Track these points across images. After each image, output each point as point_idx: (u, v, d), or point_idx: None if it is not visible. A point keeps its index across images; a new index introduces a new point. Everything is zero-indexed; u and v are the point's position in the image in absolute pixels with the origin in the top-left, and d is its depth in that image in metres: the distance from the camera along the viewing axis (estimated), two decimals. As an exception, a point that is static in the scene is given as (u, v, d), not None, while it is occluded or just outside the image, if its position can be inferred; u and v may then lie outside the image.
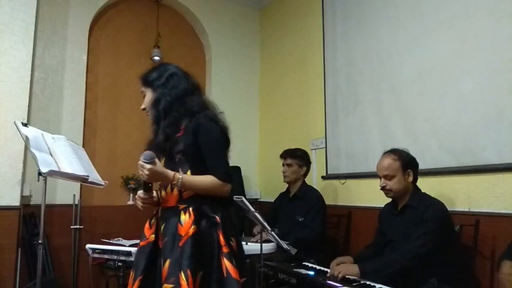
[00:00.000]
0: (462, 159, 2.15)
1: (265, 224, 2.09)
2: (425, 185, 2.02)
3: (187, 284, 1.27)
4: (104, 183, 2.44)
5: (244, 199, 1.81)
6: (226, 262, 1.35)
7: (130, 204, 3.49)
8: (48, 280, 2.75)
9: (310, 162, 2.88)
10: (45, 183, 2.16)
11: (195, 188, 1.43)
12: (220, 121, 1.53)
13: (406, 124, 2.50)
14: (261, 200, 4.04)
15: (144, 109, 1.60)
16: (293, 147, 2.96)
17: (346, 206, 2.92)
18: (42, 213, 2.16)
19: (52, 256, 2.92)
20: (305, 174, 2.85)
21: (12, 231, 2.64)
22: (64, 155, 2.21)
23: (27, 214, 2.88)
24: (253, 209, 1.92)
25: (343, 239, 2.86)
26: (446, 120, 2.25)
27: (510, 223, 1.88)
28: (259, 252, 1.97)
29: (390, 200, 2.11)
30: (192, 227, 1.37)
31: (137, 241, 3.01)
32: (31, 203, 2.92)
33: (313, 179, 3.25)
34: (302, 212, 2.69)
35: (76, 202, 3.10)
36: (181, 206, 1.43)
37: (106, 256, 2.34)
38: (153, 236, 1.49)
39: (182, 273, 1.29)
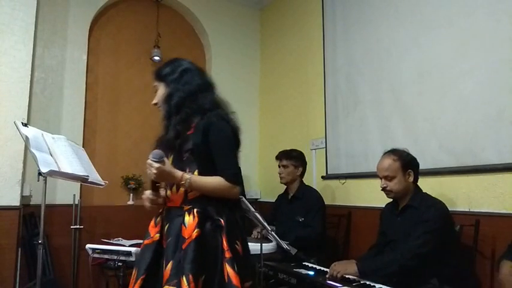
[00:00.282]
0: (462, 159, 2.15)
1: (265, 224, 2.09)
2: (425, 185, 2.02)
3: None
4: (103, 183, 2.44)
5: (244, 199, 1.81)
6: (228, 268, 1.32)
7: (131, 204, 3.49)
8: (48, 280, 2.75)
9: (306, 163, 2.88)
10: (45, 183, 2.16)
11: (203, 190, 1.40)
12: (231, 121, 1.49)
13: (406, 124, 2.50)
14: (261, 200, 4.04)
15: (155, 104, 1.56)
16: (292, 148, 2.96)
17: (346, 206, 2.92)
18: (42, 213, 2.16)
19: (52, 256, 2.92)
20: (302, 175, 2.85)
21: (12, 231, 2.64)
22: (64, 155, 2.21)
23: (27, 214, 2.88)
24: (253, 209, 1.92)
25: (343, 239, 2.86)
26: (446, 120, 2.25)
27: (510, 223, 1.88)
28: (259, 252, 1.96)
29: (391, 199, 2.11)
30: (196, 230, 1.34)
31: (137, 241, 3.03)
32: (31, 203, 2.92)
33: (313, 179, 3.25)
34: (302, 212, 2.69)
35: (76, 202, 3.10)
36: (186, 207, 1.41)
37: (106, 256, 2.34)
38: (158, 235, 1.46)
39: (184, 278, 1.26)
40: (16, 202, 2.68)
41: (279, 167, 2.85)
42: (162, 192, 1.49)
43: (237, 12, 4.24)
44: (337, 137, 3.08)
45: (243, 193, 3.60)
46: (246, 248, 1.47)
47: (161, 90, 1.54)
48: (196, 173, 1.40)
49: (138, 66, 3.73)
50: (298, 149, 2.95)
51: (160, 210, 1.54)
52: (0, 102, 2.68)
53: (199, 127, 1.42)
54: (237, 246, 1.39)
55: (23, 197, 2.76)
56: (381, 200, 2.25)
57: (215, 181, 1.39)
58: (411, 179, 1.95)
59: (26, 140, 2.07)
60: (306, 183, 2.91)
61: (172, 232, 1.39)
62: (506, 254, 1.60)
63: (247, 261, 1.46)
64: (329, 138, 3.16)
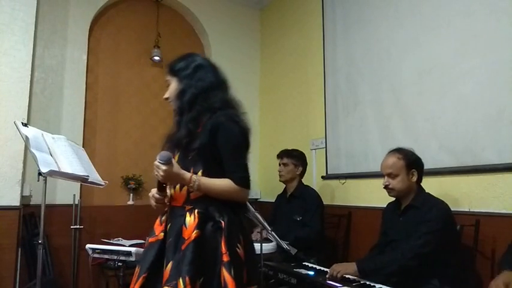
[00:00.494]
0: (462, 159, 2.15)
1: (266, 224, 2.09)
2: (425, 185, 2.02)
3: None
4: (103, 183, 2.45)
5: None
6: (224, 272, 1.27)
7: (130, 204, 3.49)
8: (48, 280, 2.75)
9: (306, 163, 2.89)
10: (45, 183, 2.16)
11: (212, 192, 1.36)
12: (241, 121, 1.44)
13: (406, 124, 2.50)
14: (261, 200, 4.04)
15: (167, 99, 1.53)
16: (292, 148, 2.98)
17: (346, 206, 2.92)
18: (42, 213, 2.16)
19: (52, 256, 2.92)
20: (301, 175, 2.86)
21: (12, 231, 2.64)
22: (64, 155, 2.21)
23: (27, 214, 2.88)
24: (253, 209, 1.92)
25: (343, 239, 2.86)
26: (446, 120, 2.25)
27: (510, 223, 1.88)
28: (259, 252, 1.96)
29: (392, 199, 2.11)
30: (195, 232, 1.31)
31: (137, 241, 3.04)
32: (31, 203, 2.92)
33: (313, 179, 3.25)
34: (300, 211, 2.69)
35: (76, 202, 3.11)
36: (188, 207, 1.38)
37: (106, 256, 2.34)
38: (162, 234, 1.43)
39: (181, 280, 1.24)
40: (16, 202, 2.68)
41: (280, 165, 2.87)
42: (169, 191, 1.46)
43: (237, 12, 4.24)
44: (337, 137, 3.08)
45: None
46: (250, 252, 1.42)
47: (173, 85, 1.51)
48: (200, 173, 1.38)
49: (138, 66, 3.73)
50: (298, 149, 2.96)
51: (166, 209, 1.51)
52: (0, 102, 2.68)
53: (207, 126, 1.39)
54: (238, 249, 1.35)
55: (23, 197, 2.76)
56: (381, 200, 2.25)
57: (223, 184, 1.36)
58: (414, 178, 1.94)
59: (26, 140, 2.07)
60: (306, 183, 2.91)
61: (173, 232, 1.37)
62: (508, 260, 1.56)
63: (251, 265, 1.42)
64: (329, 138, 3.16)
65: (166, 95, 1.53)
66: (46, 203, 2.19)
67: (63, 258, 3.05)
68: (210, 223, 1.35)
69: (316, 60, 3.38)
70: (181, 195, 1.42)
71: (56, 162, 2.12)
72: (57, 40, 3.25)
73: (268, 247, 2.44)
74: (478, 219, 1.99)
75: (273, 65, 4.09)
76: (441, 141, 2.27)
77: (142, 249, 2.30)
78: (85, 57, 3.37)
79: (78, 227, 3.06)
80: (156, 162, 1.31)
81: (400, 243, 1.89)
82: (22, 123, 2.18)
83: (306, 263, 2.24)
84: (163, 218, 1.47)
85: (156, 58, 3.71)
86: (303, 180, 2.89)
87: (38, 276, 2.11)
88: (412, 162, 1.95)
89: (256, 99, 4.27)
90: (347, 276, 1.87)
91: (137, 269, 1.39)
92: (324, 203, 2.81)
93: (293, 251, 2.33)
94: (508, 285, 1.38)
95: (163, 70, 3.84)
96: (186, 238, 1.32)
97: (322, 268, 2.09)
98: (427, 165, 2.25)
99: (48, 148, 2.17)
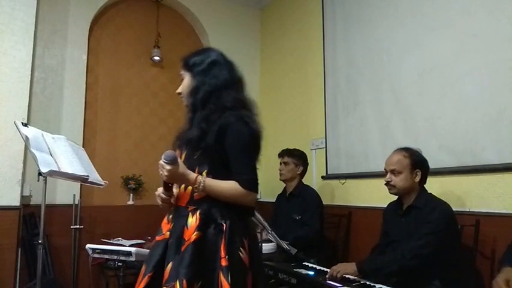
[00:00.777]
0: (462, 159, 2.15)
1: (266, 223, 2.10)
2: (425, 185, 2.02)
3: None
4: (103, 183, 2.45)
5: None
6: (221, 277, 1.23)
7: (130, 204, 3.49)
8: (48, 280, 2.75)
9: (307, 163, 2.89)
10: (45, 183, 2.16)
11: (216, 194, 1.32)
12: (252, 123, 1.38)
13: (406, 124, 2.50)
14: (261, 200, 4.03)
15: (179, 94, 1.49)
16: (293, 147, 2.98)
17: (346, 206, 2.92)
18: (42, 213, 2.16)
19: (52, 256, 2.92)
20: (302, 175, 2.86)
21: (12, 231, 2.65)
22: (64, 155, 2.21)
23: (27, 214, 2.88)
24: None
25: (343, 239, 2.86)
26: (446, 120, 2.25)
27: (510, 223, 1.87)
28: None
29: (391, 200, 2.11)
30: (195, 233, 1.28)
31: (137, 241, 3.04)
32: (31, 203, 2.92)
33: (313, 179, 3.25)
34: (299, 210, 2.70)
35: (76, 202, 3.11)
36: (191, 207, 1.35)
37: (106, 256, 2.34)
38: (169, 233, 1.39)
39: (178, 282, 1.21)
40: (16, 202, 2.68)
41: (280, 164, 2.88)
42: (175, 190, 1.42)
43: (237, 12, 4.24)
44: (337, 137, 3.08)
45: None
46: (256, 257, 1.38)
47: (187, 80, 1.47)
48: (205, 173, 1.34)
49: (138, 66, 3.73)
50: (298, 149, 2.96)
51: (173, 208, 1.48)
52: (0, 102, 2.68)
53: (215, 126, 1.34)
54: (241, 254, 1.29)
55: (23, 197, 2.76)
56: (381, 200, 2.25)
57: (229, 186, 1.32)
58: (417, 178, 1.93)
59: (26, 140, 2.07)
60: (306, 183, 2.91)
61: (175, 232, 1.35)
62: (509, 257, 1.56)
63: (258, 270, 1.37)
64: (329, 138, 3.16)
65: (179, 90, 1.49)
66: (46, 203, 2.19)
67: (63, 258, 3.05)
68: (212, 225, 1.32)
69: (316, 60, 3.38)
70: (185, 194, 1.38)
71: (56, 162, 2.13)
72: (57, 40, 3.25)
73: (268, 247, 2.45)
74: (478, 219, 1.99)
75: (273, 65, 4.09)
76: (441, 141, 2.27)
77: (142, 249, 2.32)
78: (85, 57, 3.37)
79: (78, 227, 3.06)
80: (161, 162, 1.28)
81: (401, 244, 1.88)
82: (22, 123, 2.19)
83: (306, 263, 2.24)
84: (170, 216, 1.44)
85: (156, 58, 3.71)
86: (303, 180, 2.89)
87: (38, 276, 2.11)
88: (417, 162, 1.94)
89: (256, 99, 4.24)
90: (347, 276, 1.87)
91: (143, 268, 1.37)
92: (324, 203, 2.81)
93: (293, 251, 2.33)
94: (510, 282, 1.38)
95: (163, 70, 3.85)
96: (186, 239, 1.29)
97: (322, 268, 2.09)
98: (427, 165, 2.25)
99: (48, 148, 2.17)
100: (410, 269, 1.75)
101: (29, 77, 2.82)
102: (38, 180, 2.16)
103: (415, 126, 2.43)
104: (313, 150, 3.32)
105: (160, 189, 1.41)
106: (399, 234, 1.94)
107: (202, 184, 1.30)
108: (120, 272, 2.38)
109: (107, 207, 3.37)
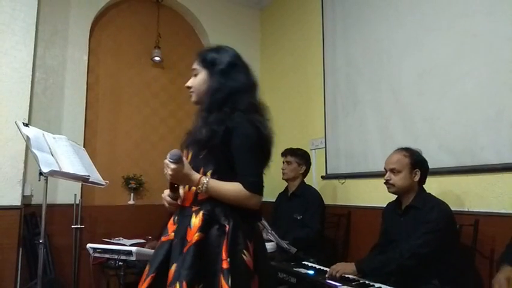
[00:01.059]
0: (461, 159, 2.15)
1: (265, 223, 2.10)
2: (425, 185, 2.03)
3: None
4: (104, 183, 2.46)
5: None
6: (222, 280, 1.20)
7: (131, 204, 3.50)
8: (49, 279, 2.76)
9: (310, 163, 2.90)
10: (46, 183, 2.17)
11: (220, 196, 1.30)
12: (262, 127, 1.36)
13: (405, 124, 2.51)
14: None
15: (189, 88, 1.44)
16: (294, 147, 2.97)
17: (346, 205, 2.93)
18: (43, 212, 2.17)
19: (53, 255, 2.93)
20: (304, 174, 2.87)
21: (13, 230, 2.66)
22: (65, 154, 2.22)
23: (28, 214, 2.89)
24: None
25: (342, 238, 2.86)
26: (446, 120, 2.25)
27: (509, 223, 1.88)
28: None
29: (391, 200, 2.11)
30: (197, 234, 1.26)
31: (138, 240, 3.05)
32: (32, 203, 2.93)
33: (313, 179, 3.25)
34: (300, 210, 2.70)
35: (77, 202, 3.12)
36: (194, 208, 1.33)
37: (107, 255, 2.35)
38: (173, 233, 1.37)
39: (178, 284, 1.19)
40: (17, 202, 2.69)
41: (283, 163, 2.88)
42: (181, 191, 1.40)
43: (237, 12, 4.25)
44: (337, 137, 3.08)
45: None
46: (262, 260, 1.35)
47: (201, 77, 1.42)
48: (209, 173, 1.32)
49: (139, 67, 3.74)
50: (301, 148, 2.97)
51: (179, 208, 1.46)
52: (1, 102, 2.69)
53: (223, 126, 1.32)
54: (244, 256, 1.26)
55: (24, 197, 2.77)
56: (381, 200, 2.25)
57: (233, 188, 1.30)
58: (417, 178, 1.94)
59: (27, 140, 2.09)
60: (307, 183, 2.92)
61: (179, 233, 1.33)
62: (508, 256, 1.57)
63: (264, 274, 1.34)
64: (329, 138, 3.17)
65: (189, 84, 1.45)
66: (47, 202, 2.20)
67: (64, 257, 3.06)
68: (215, 226, 1.29)
69: (315, 60, 3.39)
70: (189, 194, 1.37)
71: (57, 162, 2.14)
72: (58, 41, 3.26)
73: (268, 246, 2.44)
74: (477, 219, 2.00)
75: (273, 65, 4.09)
76: (440, 141, 2.27)
77: (143, 249, 2.33)
78: (86, 57, 3.38)
79: (79, 226, 3.08)
80: (166, 161, 1.27)
81: (400, 243, 1.88)
82: (23, 123, 2.20)
83: (306, 263, 2.25)
84: (176, 217, 1.42)
85: (157, 58, 3.72)
86: (304, 180, 2.90)
87: (39, 275, 2.12)
88: (417, 162, 1.95)
89: (257, 99, 4.26)
90: (346, 275, 1.88)
91: (147, 268, 1.35)
92: (324, 203, 2.81)
93: (293, 250, 2.33)
94: (509, 280, 1.39)
95: (163, 70, 3.86)
96: (188, 240, 1.28)
97: (321, 267, 2.09)
98: (427, 165, 2.25)
99: (49, 148, 2.18)
100: (408, 268, 1.76)
101: (30, 77, 2.83)
102: (39, 180, 2.16)
103: (415, 126, 2.44)
104: (313, 150, 3.33)
105: (166, 192, 1.38)
106: (398, 234, 1.95)
107: (205, 185, 1.28)
108: (120, 272, 2.39)
109: (108, 207, 3.38)
